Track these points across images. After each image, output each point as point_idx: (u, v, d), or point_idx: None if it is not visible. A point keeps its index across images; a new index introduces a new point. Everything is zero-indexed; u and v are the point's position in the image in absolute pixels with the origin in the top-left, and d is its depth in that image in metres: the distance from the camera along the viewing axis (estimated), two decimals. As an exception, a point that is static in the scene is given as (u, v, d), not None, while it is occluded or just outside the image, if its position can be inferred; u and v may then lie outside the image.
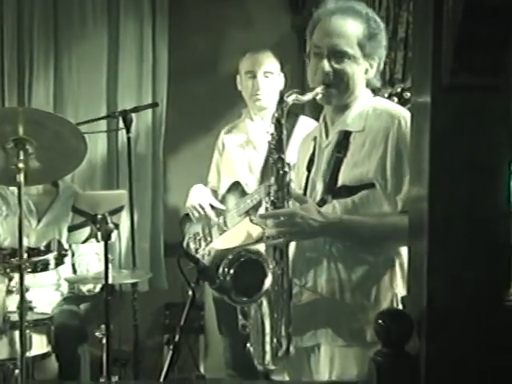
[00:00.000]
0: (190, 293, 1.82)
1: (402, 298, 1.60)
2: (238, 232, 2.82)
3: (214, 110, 3.92)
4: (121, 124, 3.17)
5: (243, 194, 2.87)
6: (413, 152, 1.47)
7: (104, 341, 2.73)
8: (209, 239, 2.98)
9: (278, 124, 1.90)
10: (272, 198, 1.89)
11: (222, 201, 2.99)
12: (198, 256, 2.99)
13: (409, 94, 2.26)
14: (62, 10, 3.74)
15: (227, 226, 2.91)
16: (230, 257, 1.86)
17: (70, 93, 3.77)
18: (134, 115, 3.23)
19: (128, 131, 3.08)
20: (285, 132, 1.90)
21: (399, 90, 2.25)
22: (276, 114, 1.89)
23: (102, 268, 2.84)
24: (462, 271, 1.33)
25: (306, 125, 2.75)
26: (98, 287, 3.10)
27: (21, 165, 2.35)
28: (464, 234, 1.33)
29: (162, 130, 3.79)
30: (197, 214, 2.97)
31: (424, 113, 1.36)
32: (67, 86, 3.78)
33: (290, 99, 1.90)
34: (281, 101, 1.90)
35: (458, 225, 1.33)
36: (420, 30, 1.41)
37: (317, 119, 2.20)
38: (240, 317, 1.95)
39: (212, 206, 2.97)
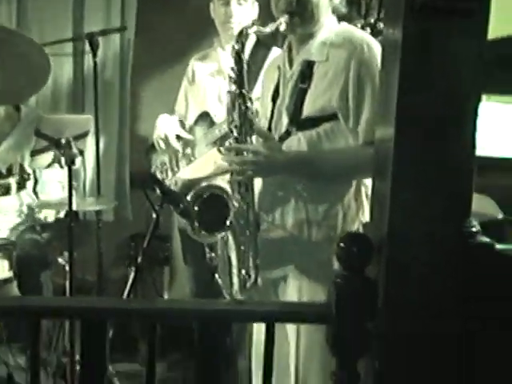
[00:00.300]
0: (154, 215, 1.82)
1: (363, 224, 1.61)
2: (205, 162, 2.79)
3: (184, 40, 3.80)
4: (87, 48, 3.08)
5: (212, 124, 2.83)
6: (381, 83, 1.45)
7: (67, 268, 2.73)
8: (176, 169, 2.95)
9: (237, 58, 1.86)
10: (235, 134, 1.86)
11: (190, 131, 2.94)
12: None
13: (382, 26, 2.22)
14: None
15: (195, 157, 2.88)
16: (193, 193, 1.86)
17: (35, 13, 3.61)
18: (101, 39, 3.13)
19: (95, 55, 2.99)
20: (245, 66, 1.85)
21: (372, 20, 2.22)
22: (236, 47, 1.85)
23: (65, 195, 2.82)
24: (423, 201, 1.34)
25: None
26: (61, 214, 3.07)
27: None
28: (427, 168, 1.33)
29: (129, 57, 3.68)
30: (163, 145, 2.93)
31: (394, 45, 1.33)
32: (31, 8, 3.62)
33: (251, 31, 1.85)
34: (240, 33, 1.85)
35: (422, 161, 1.32)
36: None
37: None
38: (207, 249, 1.96)
39: (178, 137, 2.93)
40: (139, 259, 1.80)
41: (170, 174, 2.96)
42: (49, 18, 3.62)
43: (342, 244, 1.39)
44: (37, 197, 3.26)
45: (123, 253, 3.98)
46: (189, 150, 2.90)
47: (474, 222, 1.34)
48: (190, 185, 2.83)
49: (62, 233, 3.21)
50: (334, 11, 1.95)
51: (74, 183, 2.68)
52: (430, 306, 1.35)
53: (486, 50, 1.32)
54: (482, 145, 1.45)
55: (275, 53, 2.76)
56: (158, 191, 1.87)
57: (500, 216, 2.63)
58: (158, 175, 3.02)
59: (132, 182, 3.86)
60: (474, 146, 1.35)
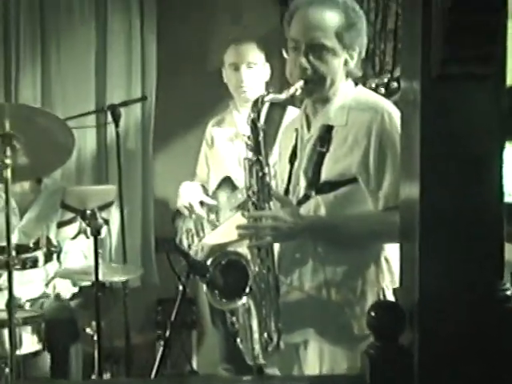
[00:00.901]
0: (181, 287, 1.81)
1: (394, 289, 1.58)
2: (230, 227, 2.80)
3: (202, 103, 3.88)
4: (110, 118, 3.15)
5: (234, 188, 2.86)
6: (403, 146, 1.45)
7: (95, 338, 2.72)
8: (201, 235, 2.97)
9: (253, 126, 1.87)
10: (253, 200, 1.87)
11: (213, 196, 2.97)
12: (192, 252, 2.98)
13: (395, 84, 2.24)
14: (48, 3, 3.68)
15: (219, 221, 2.90)
16: (211, 260, 1.86)
17: (58, 87, 3.72)
18: (122, 109, 3.21)
19: (117, 125, 3.06)
20: (261, 133, 1.87)
21: (386, 80, 2.24)
22: (252, 115, 1.87)
23: (87, 265, 2.84)
24: (454, 264, 1.32)
25: (294, 116, 2.72)
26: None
27: (8, 161, 2.34)
28: (456, 229, 1.31)
29: (151, 124, 3.76)
30: (187, 213, 2.97)
31: (414, 106, 1.34)
32: (55, 80, 3.73)
33: (267, 99, 1.88)
34: (256, 102, 1.87)
35: (449, 221, 1.31)
36: (408, 19, 1.39)
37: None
38: (228, 314, 1.95)
39: (202, 203, 2.96)
40: (167, 333, 1.78)
41: (195, 239, 2.97)
42: (72, 91, 3.73)
43: (373, 313, 1.37)
44: (60, 266, 3.28)
45: (150, 318, 3.97)
46: (213, 216, 2.92)
47: (508, 285, 1.32)
48: (216, 250, 2.84)
49: (90, 301, 3.23)
50: (349, 75, 1.97)
51: (99, 251, 2.71)
52: (465, 374, 1.31)
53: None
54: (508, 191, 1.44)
55: (291, 112, 2.80)
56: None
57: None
58: (184, 241, 3.04)
59: (157, 246, 3.87)
60: (502, 198, 1.34)
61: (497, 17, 1.24)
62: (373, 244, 1.90)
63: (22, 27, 3.67)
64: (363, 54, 1.95)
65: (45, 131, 2.46)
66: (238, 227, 1.85)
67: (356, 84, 2.00)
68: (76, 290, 3.32)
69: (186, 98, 3.90)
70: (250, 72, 2.87)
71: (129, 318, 3.22)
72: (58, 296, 3.21)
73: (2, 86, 3.70)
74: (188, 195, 2.99)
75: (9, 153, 2.36)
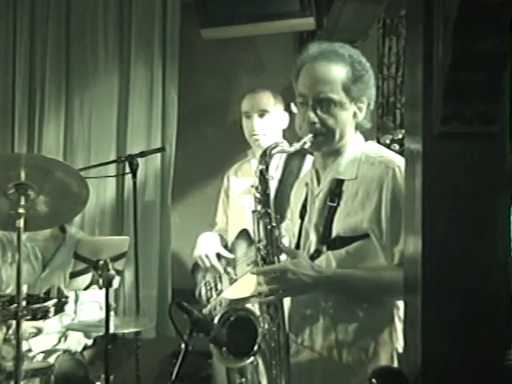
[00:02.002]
0: (183, 345, 1.76)
1: (398, 354, 1.52)
2: (247, 281, 2.75)
3: (223, 154, 3.88)
4: (128, 169, 3.17)
5: (252, 241, 2.82)
6: (406, 201, 1.42)
7: (105, 392, 2.67)
8: (219, 288, 2.93)
9: (262, 177, 1.86)
10: (262, 254, 1.84)
11: (232, 248, 2.94)
12: (210, 306, 2.94)
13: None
14: (73, 54, 3.77)
15: (237, 275, 2.85)
16: (219, 316, 1.82)
17: (80, 137, 3.77)
18: (141, 160, 3.23)
19: (134, 176, 3.07)
20: (270, 186, 1.85)
21: (400, 136, 2.21)
22: (260, 167, 1.86)
23: (102, 316, 2.81)
24: (457, 329, 1.26)
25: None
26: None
27: (21, 210, 2.36)
28: (459, 289, 1.26)
29: (170, 175, 3.76)
30: (203, 266, 2.94)
31: (416, 162, 1.31)
32: (77, 130, 3.78)
33: (275, 151, 1.86)
34: (264, 153, 1.86)
35: (452, 280, 1.26)
36: (411, 78, 1.37)
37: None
38: (237, 375, 1.89)
39: (219, 256, 2.93)
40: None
41: (214, 293, 2.93)
42: (94, 141, 3.77)
43: (374, 380, 1.30)
44: (76, 317, 3.26)
45: (166, 370, 3.89)
46: (231, 269, 2.88)
47: (515, 354, 1.25)
48: (234, 305, 2.80)
49: (103, 352, 3.19)
50: (358, 127, 1.95)
51: (112, 304, 2.68)
52: None
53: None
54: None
55: (310, 161, 2.77)
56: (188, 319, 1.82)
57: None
58: (203, 294, 3.00)
59: (174, 297, 3.83)
60: (509, 255, 1.28)
61: (499, 75, 1.21)
62: (385, 299, 1.84)
63: (47, 77, 3.74)
64: (372, 105, 1.95)
65: (59, 181, 2.48)
66: (253, 273, 1.83)
67: (366, 139, 1.98)
68: (90, 341, 3.28)
69: (206, 149, 3.92)
70: (262, 120, 2.88)
71: (143, 370, 3.17)
72: (68, 350, 3.17)
73: (26, 135, 3.76)
74: (205, 246, 2.97)
75: (22, 202, 2.38)
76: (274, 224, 1.85)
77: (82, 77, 3.77)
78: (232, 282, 2.89)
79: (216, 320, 1.84)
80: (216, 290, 2.97)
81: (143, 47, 3.74)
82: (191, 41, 3.81)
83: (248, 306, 1.96)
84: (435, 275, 1.27)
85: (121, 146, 3.76)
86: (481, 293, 1.27)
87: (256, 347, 1.81)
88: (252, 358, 1.82)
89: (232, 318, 1.85)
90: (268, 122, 2.88)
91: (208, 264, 2.92)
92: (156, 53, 3.73)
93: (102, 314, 3.20)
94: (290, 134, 2.88)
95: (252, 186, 1.92)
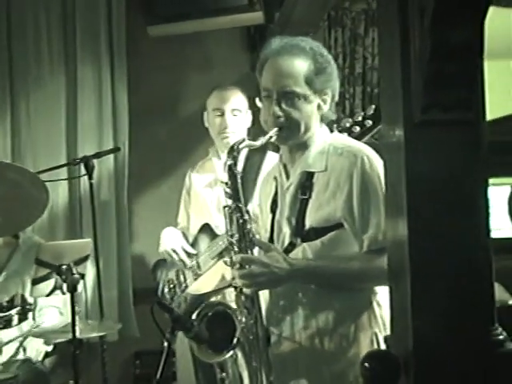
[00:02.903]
0: (166, 344, 1.76)
1: (385, 337, 1.57)
2: (212, 275, 2.76)
3: (175, 151, 3.88)
4: (82, 171, 3.11)
5: (214, 235, 2.82)
6: (387, 189, 1.46)
7: (73, 398, 2.62)
8: (183, 285, 2.91)
9: (231, 172, 1.87)
10: (235, 248, 1.86)
11: (194, 243, 2.93)
12: (175, 303, 2.92)
13: (370, 122, 2.27)
14: (16, 55, 3.66)
15: (201, 270, 2.85)
16: (196, 313, 1.82)
17: (28, 141, 3.68)
18: (95, 161, 3.17)
19: (90, 177, 3.01)
20: (239, 181, 1.87)
21: (360, 118, 2.26)
22: (228, 162, 1.87)
23: (63, 321, 2.76)
24: (445, 309, 1.31)
25: (273, 160, 2.71)
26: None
27: (-21, 219, 2.29)
28: (445, 271, 1.31)
29: (125, 175, 3.72)
30: (170, 260, 2.92)
31: (397, 151, 1.35)
32: (25, 133, 3.69)
33: (242, 146, 1.88)
34: (232, 148, 1.88)
35: (439, 262, 1.31)
36: (387, 69, 1.41)
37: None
38: (217, 369, 1.90)
39: (185, 250, 2.92)
40: (154, 390, 1.73)
41: (178, 290, 2.92)
42: (42, 143, 3.68)
43: (366, 364, 1.34)
44: (34, 324, 3.18)
45: (129, 372, 3.87)
46: (194, 263, 2.87)
47: (500, 329, 1.31)
48: (200, 300, 2.79)
49: (65, 358, 3.12)
50: (323, 119, 1.98)
51: (77, 308, 2.63)
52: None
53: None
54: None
55: (270, 157, 2.80)
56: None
57: (510, 301, 2.58)
58: (166, 292, 2.98)
59: (135, 298, 3.79)
60: (488, 235, 1.34)
61: (475, 63, 1.26)
62: (357, 285, 1.88)
63: (-11, 80, 3.64)
64: (336, 97, 1.97)
65: (17, 186, 2.42)
66: (227, 264, 1.82)
67: (331, 130, 2.01)
68: (49, 348, 3.21)
69: (158, 148, 3.90)
70: (234, 118, 2.88)
71: (106, 374, 3.12)
72: (28, 360, 3.09)
73: (-29, 142, 3.64)
74: (171, 241, 2.95)
75: (-19, 210, 2.32)
76: (245, 218, 1.86)
77: (27, 78, 3.67)
78: (196, 277, 2.88)
79: (194, 316, 1.84)
80: (180, 286, 2.95)
81: (89, 47, 3.68)
82: (138, 39, 3.77)
83: (225, 300, 1.96)
84: (422, 259, 1.31)
85: (71, 149, 3.69)
86: (465, 272, 1.32)
87: (235, 341, 1.82)
88: (232, 352, 1.82)
89: (210, 314, 1.85)
90: (240, 120, 2.89)
91: (176, 258, 2.90)
92: (103, 51, 3.68)
93: (62, 319, 3.17)
94: (253, 133, 2.91)
95: (222, 182, 1.93)
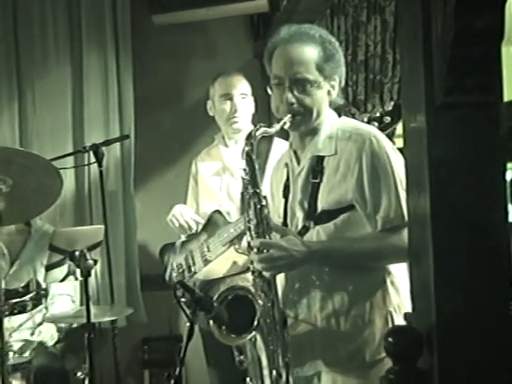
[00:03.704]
0: (188, 324, 1.80)
1: (405, 314, 1.61)
2: (223, 262, 2.78)
3: (180, 138, 3.91)
4: (91, 158, 3.14)
5: (225, 222, 2.85)
6: (411, 171, 1.50)
7: (87, 382, 2.66)
8: (193, 270, 2.94)
9: (249, 159, 1.90)
10: (253, 233, 1.89)
11: (204, 228, 2.94)
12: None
13: (389, 119, 2.30)
14: (22, 44, 3.68)
15: (211, 256, 2.87)
16: (217, 296, 1.86)
17: (35, 129, 3.70)
18: (104, 149, 3.20)
19: (100, 165, 3.04)
20: (257, 166, 1.90)
21: (378, 114, 2.30)
22: (246, 149, 1.90)
23: (74, 309, 2.80)
24: (467, 285, 1.36)
25: (280, 147, 2.74)
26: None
27: (-5, 204, 2.31)
28: (466, 247, 1.36)
29: (131, 163, 3.75)
30: (176, 223, 2.92)
31: (419, 134, 1.39)
32: (32, 122, 3.71)
33: (259, 133, 1.91)
34: (249, 135, 1.91)
35: (460, 241, 1.36)
36: (409, 54, 1.45)
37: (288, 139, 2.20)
38: (236, 353, 1.94)
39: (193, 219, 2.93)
40: (177, 370, 1.77)
41: (186, 275, 2.94)
42: (49, 131, 3.71)
43: (390, 339, 1.39)
44: (47, 311, 3.22)
45: (137, 357, 3.91)
46: (205, 248, 2.89)
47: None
48: (209, 285, 2.83)
49: (76, 344, 3.16)
50: (332, 104, 2.02)
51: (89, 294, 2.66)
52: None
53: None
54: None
55: (277, 143, 2.82)
56: (188, 298, 1.85)
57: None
58: (174, 277, 3.00)
59: (142, 284, 3.83)
60: (507, 218, 1.39)
61: (496, 47, 1.31)
62: (372, 264, 1.92)
63: (-4, 70, 3.66)
64: (343, 82, 2.02)
65: (30, 173, 2.44)
66: (255, 260, 1.85)
67: (339, 115, 2.05)
68: (60, 335, 3.25)
69: (163, 135, 3.93)
70: (243, 102, 2.89)
71: (118, 359, 3.16)
72: (42, 343, 3.14)
73: (-22, 130, 3.66)
74: (180, 208, 2.97)
75: (-4, 196, 2.34)
76: (263, 203, 1.89)
77: (33, 67, 3.69)
78: (206, 263, 2.91)
79: (215, 298, 1.88)
80: (189, 271, 2.97)
81: (94, 36, 3.70)
82: (143, 27, 3.79)
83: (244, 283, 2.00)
84: (444, 237, 1.36)
85: (77, 137, 3.72)
86: (485, 250, 1.37)
87: (255, 324, 1.86)
88: (251, 335, 1.86)
89: (230, 297, 1.89)
90: (248, 105, 2.91)
91: (182, 220, 2.90)
92: (108, 40, 3.70)
93: (74, 307, 3.21)
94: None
95: (240, 168, 1.96)
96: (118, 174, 3.72)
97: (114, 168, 3.70)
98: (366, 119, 2.33)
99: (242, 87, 2.91)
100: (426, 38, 1.36)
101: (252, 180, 1.90)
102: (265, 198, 1.91)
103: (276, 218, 2.11)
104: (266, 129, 1.93)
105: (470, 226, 1.37)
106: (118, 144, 3.60)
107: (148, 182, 3.97)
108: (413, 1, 1.39)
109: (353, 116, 2.29)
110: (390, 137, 2.33)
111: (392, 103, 2.37)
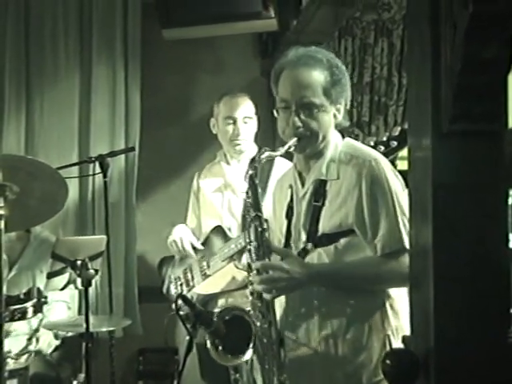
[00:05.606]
0: (187, 338, 1.81)
1: (404, 337, 1.63)
2: (221, 277, 2.80)
3: (185, 153, 3.94)
4: (96, 169, 3.16)
5: (226, 238, 2.86)
6: (415, 197, 1.52)
7: (83, 391, 2.67)
8: (191, 284, 2.95)
9: (252, 182, 1.92)
10: (253, 255, 1.91)
11: (205, 243, 2.97)
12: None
13: (395, 143, 2.32)
14: (33, 54, 3.73)
15: (210, 271, 2.89)
16: (217, 312, 1.87)
17: (42, 138, 3.73)
18: (108, 160, 3.22)
19: (105, 176, 3.07)
20: (260, 190, 1.92)
21: (385, 138, 2.32)
22: (250, 172, 1.92)
23: (70, 316, 2.80)
24: (467, 311, 1.37)
25: (282, 166, 2.75)
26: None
27: (1, 212, 2.32)
28: (467, 276, 1.38)
29: (134, 174, 3.78)
30: (175, 248, 2.95)
31: (424, 160, 1.41)
32: (39, 131, 3.74)
33: (263, 157, 1.92)
34: (253, 160, 1.92)
35: (461, 267, 1.38)
36: (417, 81, 1.48)
37: (290, 159, 2.21)
38: (231, 371, 1.95)
39: (194, 248, 2.96)
40: (175, 383, 1.79)
41: (185, 288, 2.95)
42: (55, 141, 3.74)
43: (387, 361, 1.40)
44: (43, 316, 3.22)
45: (132, 369, 3.91)
46: (204, 264, 2.91)
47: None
48: (207, 300, 2.84)
49: (72, 352, 3.16)
50: (337, 126, 2.03)
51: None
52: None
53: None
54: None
55: (279, 162, 2.84)
56: (189, 312, 1.87)
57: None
58: (173, 289, 3.01)
59: (140, 296, 3.84)
60: (507, 244, 1.41)
61: (502, 78, 1.33)
62: (372, 288, 1.93)
63: (6, 79, 3.69)
64: (348, 105, 2.03)
65: (36, 181, 2.46)
66: (255, 282, 1.86)
67: (343, 136, 2.06)
68: (57, 342, 3.25)
69: (168, 148, 3.96)
70: (246, 126, 2.92)
71: (114, 369, 3.16)
72: (39, 352, 3.14)
73: (-15, 137, 3.69)
74: (179, 232, 2.99)
75: (2, 204, 2.35)
76: (264, 227, 1.90)
77: (43, 77, 3.73)
78: (205, 277, 2.92)
79: (214, 315, 1.89)
80: (187, 285, 2.99)
81: (105, 47, 3.74)
82: (152, 41, 3.83)
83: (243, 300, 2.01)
84: (445, 263, 1.38)
85: (83, 147, 3.74)
86: (485, 277, 1.39)
87: (251, 345, 1.86)
88: (248, 356, 1.87)
89: (227, 317, 1.90)
90: (250, 126, 2.94)
91: (180, 246, 2.93)
92: (118, 53, 3.74)
93: (70, 314, 3.22)
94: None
95: (243, 192, 1.98)
96: (121, 185, 3.75)
97: (117, 179, 3.72)
98: (372, 143, 2.35)
99: (245, 110, 2.93)
100: (434, 66, 1.39)
101: (254, 204, 1.92)
102: (266, 221, 1.93)
103: (278, 234, 2.12)
104: (270, 153, 1.94)
105: (470, 254, 1.38)
106: (122, 156, 3.63)
107: (150, 195, 3.99)
108: (422, 28, 1.42)
109: (356, 137, 2.31)
110: (393, 160, 2.35)
111: (399, 128, 2.39)
